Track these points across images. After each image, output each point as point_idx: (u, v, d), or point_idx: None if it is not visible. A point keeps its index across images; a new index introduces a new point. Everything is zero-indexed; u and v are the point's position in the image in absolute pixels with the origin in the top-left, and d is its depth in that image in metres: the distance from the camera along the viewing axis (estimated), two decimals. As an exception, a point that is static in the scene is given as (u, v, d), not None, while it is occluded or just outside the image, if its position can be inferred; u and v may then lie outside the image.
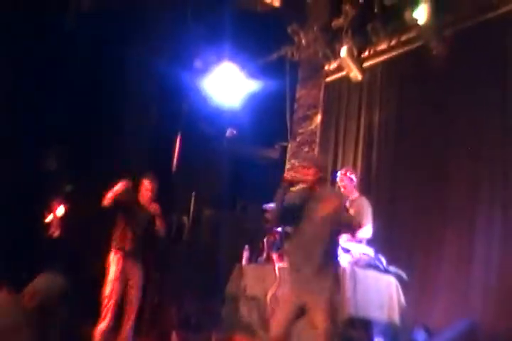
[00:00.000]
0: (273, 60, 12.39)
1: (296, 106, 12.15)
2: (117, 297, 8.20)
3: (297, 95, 12.20)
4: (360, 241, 7.90)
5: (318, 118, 11.65)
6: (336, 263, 6.23)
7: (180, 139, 11.01)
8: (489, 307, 7.90)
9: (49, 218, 10.24)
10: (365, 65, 10.59)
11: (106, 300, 8.15)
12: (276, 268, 7.96)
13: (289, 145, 12.06)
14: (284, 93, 11.97)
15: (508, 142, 8.25)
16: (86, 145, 11.46)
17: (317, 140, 11.53)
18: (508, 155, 8.23)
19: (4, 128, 10.41)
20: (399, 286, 7.77)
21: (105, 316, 8.11)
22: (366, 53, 10.63)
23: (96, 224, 9.64)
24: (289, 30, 11.40)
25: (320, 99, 11.75)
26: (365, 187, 9.47)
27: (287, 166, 11.86)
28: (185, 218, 10.70)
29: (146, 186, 8.61)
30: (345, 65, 10.48)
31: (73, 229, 10.43)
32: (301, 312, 5.88)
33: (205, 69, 11.71)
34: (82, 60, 11.26)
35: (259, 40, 11.71)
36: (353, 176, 8.44)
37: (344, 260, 7.39)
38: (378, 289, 7.61)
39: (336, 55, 10.87)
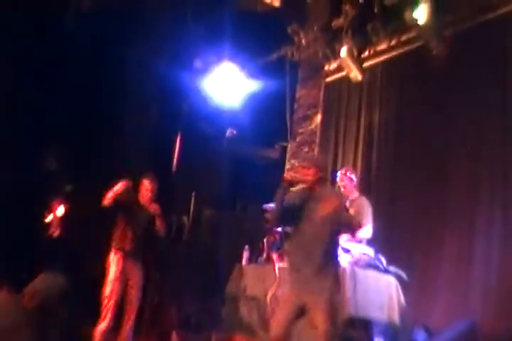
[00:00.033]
0: (273, 60, 12.40)
1: (296, 106, 12.15)
2: (117, 297, 8.20)
3: (297, 95, 12.20)
4: (360, 241, 7.90)
5: (318, 118, 11.65)
6: (336, 263, 6.23)
7: (180, 139, 11.00)
8: (489, 308, 7.90)
9: (49, 218, 10.25)
10: (365, 65, 10.59)
11: (106, 301, 8.15)
12: (276, 268, 7.96)
13: (289, 146, 12.06)
14: (284, 93, 11.97)
15: (508, 142, 8.25)
16: (86, 145, 11.47)
17: (317, 140, 11.53)
18: (508, 155, 8.24)
19: (4, 128, 10.41)
20: (399, 286, 7.77)
21: (105, 316, 8.11)
22: (366, 53, 10.63)
23: (96, 224, 9.64)
24: (289, 30, 11.41)
25: (320, 99, 11.75)
26: (365, 187, 9.47)
27: (287, 166, 11.86)
28: (185, 218, 10.69)
29: (146, 186, 8.61)
30: (345, 65, 10.48)
31: (73, 229, 10.43)
32: (301, 312, 5.89)
33: (205, 70, 11.71)
34: (82, 60, 11.26)
35: (259, 40, 11.71)
36: (353, 176, 8.44)
37: (344, 260, 7.39)
38: (378, 289, 7.61)
39: (336, 55, 10.87)
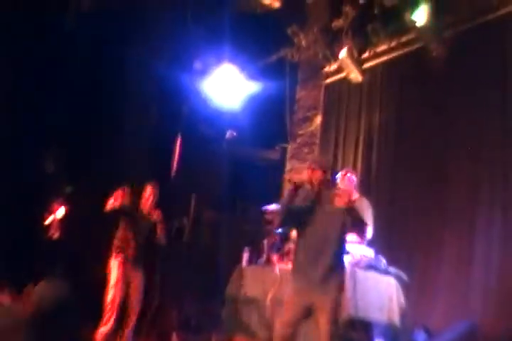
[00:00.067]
0: (273, 61, 12.40)
1: (296, 107, 12.16)
2: (119, 301, 8.21)
3: (297, 96, 12.21)
4: (360, 243, 7.90)
5: (318, 119, 11.66)
6: (343, 264, 6.24)
7: (180, 141, 10.98)
8: (489, 309, 7.89)
9: (49, 220, 10.24)
10: (365, 66, 10.59)
11: (109, 305, 8.16)
12: (277, 270, 7.96)
13: (289, 147, 12.06)
14: (283, 94, 11.98)
15: (508, 144, 8.25)
16: (86, 147, 11.46)
17: (317, 141, 11.54)
18: (508, 156, 8.23)
19: (4, 129, 10.40)
20: (399, 287, 7.77)
21: (108, 320, 8.12)
22: (366, 54, 10.63)
23: (96, 225, 9.63)
24: (289, 31, 11.40)
25: (320, 101, 11.76)
26: (365, 189, 9.46)
27: (287, 168, 11.86)
28: (185, 220, 10.67)
29: (149, 192, 8.63)
30: (345, 66, 10.48)
31: (73, 230, 10.42)
32: (308, 312, 5.90)
33: (204, 71, 11.70)
34: (81, 60, 11.25)
35: (259, 41, 11.71)
36: (353, 177, 8.43)
37: (345, 261, 7.39)
38: (378, 290, 7.61)
39: (335, 56, 10.85)
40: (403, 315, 7.68)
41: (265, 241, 9.00)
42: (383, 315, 7.50)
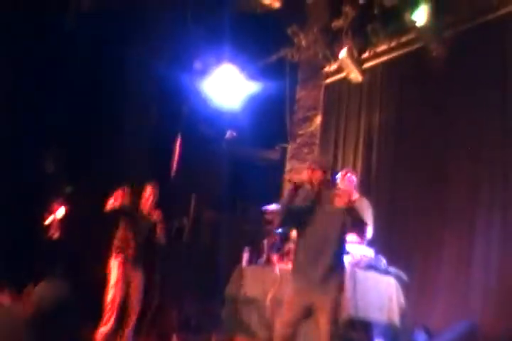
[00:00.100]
0: (273, 61, 12.40)
1: (296, 107, 12.16)
2: (119, 301, 8.21)
3: (297, 96, 12.21)
4: (360, 243, 7.90)
5: (318, 119, 11.66)
6: (343, 264, 6.24)
7: (180, 141, 10.98)
8: (489, 309, 7.90)
9: (49, 219, 10.24)
10: (365, 66, 10.59)
11: (109, 305, 8.16)
12: (277, 270, 7.96)
13: (289, 147, 12.06)
14: (283, 94, 11.98)
15: (508, 144, 8.25)
16: (85, 147, 11.46)
17: (317, 141, 11.54)
18: (508, 156, 8.23)
19: (4, 129, 10.40)
20: (399, 287, 7.77)
21: (108, 320, 8.12)
22: (366, 54, 10.63)
23: (96, 225, 9.64)
24: (289, 31, 11.40)
25: (320, 101, 11.76)
26: (365, 189, 9.46)
27: (287, 168, 11.86)
28: (185, 220, 10.67)
29: (149, 192, 8.63)
30: (345, 66, 10.48)
31: (73, 230, 10.42)
32: (308, 312, 5.90)
33: (204, 71, 11.70)
34: (81, 60, 11.25)
35: (259, 41, 11.71)
36: (353, 177, 8.43)
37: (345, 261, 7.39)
38: (378, 290, 7.61)
39: (335, 56, 10.84)
40: (403, 315, 7.68)
41: (265, 241, 9.00)
42: (383, 315, 7.51)
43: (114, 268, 8.30)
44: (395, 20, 9.87)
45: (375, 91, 10.56)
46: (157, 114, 12.63)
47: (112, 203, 8.17)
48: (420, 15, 9.11)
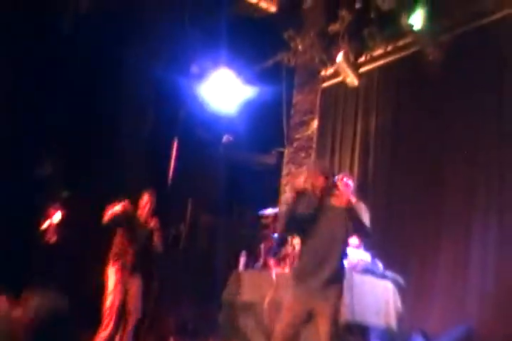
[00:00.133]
0: (269, 65, 12.40)
1: (292, 111, 12.15)
2: (118, 307, 8.19)
3: (294, 101, 12.20)
4: (358, 247, 7.90)
5: (315, 123, 11.64)
6: (344, 270, 6.24)
7: (176, 145, 10.98)
8: (486, 313, 7.89)
9: (45, 224, 10.22)
10: (362, 70, 10.59)
11: (107, 310, 8.15)
12: (274, 274, 7.96)
13: (286, 151, 12.05)
14: (280, 99, 11.98)
15: (504, 147, 8.26)
16: (82, 151, 11.44)
17: (314, 145, 11.52)
18: (504, 160, 8.24)
19: (2, 132, 10.39)
20: (396, 291, 7.77)
21: (107, 325, 8.11)
22: (362, 58, 10.63)
23: (93, 230, 9.61)
24: (286, 35, 11.40)
25: (316, 105, 11.74)
26: (362, 193, 9.45)
27: (284, 172, 11.86)
28: (182, 226, 10.67)
29: (145, 200, 8.61)
30: (342, 70, 10.48)
31: (70, 235, 10.40)
32: (308, 317, 5.90)
33: (201, 75, 11.70)
34: (78, 62, 11.23)
35: (256, 45, 11.72)
36: (349, 182, 8.41)
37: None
38: (375, 294, 7.61)
39: (332, 60, 10.84)
40: (400, 319, 7.69)
41: (262, 246, 9.00)
42: (380, 319, 7.51)
43: (112, 275, 8.28)
44: (391, 24, 9.88)
45: (371, 95, 10.56)
46: (154, 118, 12.62)
47: (109, 214, 8.18)
48: (416, 20, 9.12)
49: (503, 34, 8.60)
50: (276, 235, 9.21)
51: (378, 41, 10.30)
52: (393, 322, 7.57)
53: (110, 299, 8.18)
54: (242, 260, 9.04)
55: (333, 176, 6.51)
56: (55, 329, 4.99)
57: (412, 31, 9.38)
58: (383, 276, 7.83)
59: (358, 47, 10.53)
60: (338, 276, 6.00)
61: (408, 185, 9.48)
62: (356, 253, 7.80)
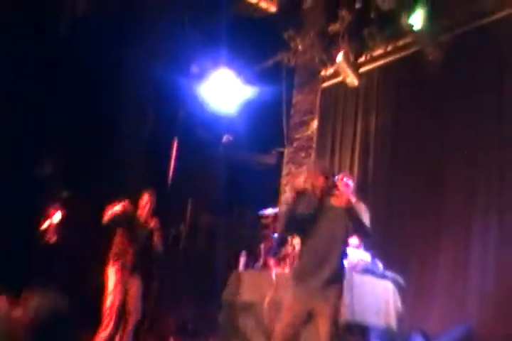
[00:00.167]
0: (269, 65, 12.40)
1: (292, 111, 12.14)
2: (118, 307, 8.19)
3: (294, 101, 12.19)
4: (358, 246, 7.90)
5: (315, 123, 11.64)
6: (344, 270, 6.24)
7: (176, 145, 10.97)
8: (486, 313, 7.89)
9: (45, 224, 10.22)
10: (362, 70, 10.58)
11: (107, 311, 8.14)
12: (274, 274, 7.96)
13: (286, 151, 12.05)
14: (280, 99, 11.97)
15: (504, 148, 8.26)
16: (82, 151, 11.43)
17: (314, 145, 11.51)
18: (504, 160, 8.24)
19: (1, 132, 10.38)
20: (396, 291, 7.77)
21: (107, 326, 8.10)
22: (362, 58, 10.63)
23: (93, 230, 9.61)
24: (286, 35, 11.40)
25: (316, 105, 11.74)
26: (362, 193, 9.45)
27: (284, 172, 11.85)
28: (182, 226, 10.67)
29: (146, 200, 8.60)
30: (342, 70, 10.47)
31: (70, 235, 10.40)
32: (308, 317, 5.90)
33: (201, 75, 11.70)
34: (78, 63, 11.22)
35: (256, 45, 11.71)
36: (349, 181, 8.41)
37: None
38: (375, 294, 7.61)
39: (332, 60, 10.83)
40: (400, 319, 7.69)
41: (262, 246, 8.99)
42: (380, 319, 7.51)
43: (112, 275, 8.28)
44: (391, 24, 9.88)
45: (371, 95, 10.56)
46: (154, 118, 12.62)
47: (109, 214, 8.18)
48: (416, 20, 9.12)
49: (503, 34, 8.60)
50: (276, 235, 9.21)
51: (378, 41, 10.30)
52: (393, 322, 7.57)
53: (110, 299, 8.17)
54: (242, 260, 9.04)
55: (333, 176, 6.50)
56: (55, 329, 4.98)
57: (412, 31, 9.38)
58: (383, 276, 7.83)
59: (358, 47, 10.52)
60: (338, 276, 6.00)
61: (408, 185, 9.48)
62: (356, 253, 7.80)
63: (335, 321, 5.84)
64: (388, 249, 9.01)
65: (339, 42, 10.47)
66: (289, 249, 8.25)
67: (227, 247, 11.09)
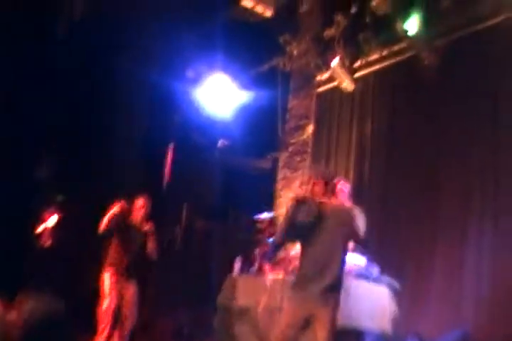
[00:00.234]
0: (265, 70, 12.39)
1: (288, 116, 12.14)
2: (113, 312, 8.16)
3: (289, 105, 12.19)
4: (352, 251, 7.89)
5: (310, 128, 11.64)
6: (343, 276, 6.23)
7: (172, 149, 10.97)
8: (481, 317, 7.89)
9: (41, 228, 10.21)
10: (357, 75, 10.59)
11: (103, 316, 8.12)
12: (268, 279, 7.95)
13: (281, 156, 12.04)
14: (275, 103, 11.97)
15: (498, 152, 8.27)
16: (78, 155, 11.43)
17: (309, 150, 11.52)
18: (499, 165, 8.25)
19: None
20: (391, 296, 7.76)
21: (103, 331, 8.08)
22: (358, 63, 10.63)
23: (88, 234, 9.60)
24: (281, 40, 11.42)
25: (312, 110, 11.74)
26: (357, 197, 9.44)
27: (279, 176, 11.85)
28: (177, 230, 10.67)
29: (140, 205, 8.58)
30: (337, 75, 10.48)
31: (65, 239, 10.39)
32: (306, 323, 5.89)
33: (197, 80, 11.70)
34: (73, 67, 11.22)
35: (251, 50, 11.72)
36: (345, 186, 8.41)
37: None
38: (370, 299, 7.61)
39: (327, 65, 10.83)
40: (395, 324, 7.68)
41: (257, 250, 8.99)
42: (375, 324, 7.50)
43: (107, 279, 8.26)
44: (386, 29, 9.89)
45: (367, 100, 10.57)
46: (149, 122, 12.62)
47: (106, 223, 8.16)
48: (412, 24, 9.14)
49: (499, 39, 8.61)
50: (271, 240, 9.20)
51: (374, 46, 10.32)
52: (388, 327, 7.57)
53: (106, 304, 8.16)
54: (237, 265, 9.03)
55: (333, 180, 6.50)
56: (49, 332, 4.96)
57: (408, 36, 9.39)
58: (378, 281, 7.83)
59: (354, 52, 10.54)
60: (338, 283, 6.00)
61: (404, 189, 9.48)
62: (351, 258, 7.79)
63: (332, 327, 5.84)
64: (384, 253, 9.00)
65: (335, 47, 10.48)
66: (284, 253, 8.24)
67: (222, 252, 11.07)
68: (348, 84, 10.50)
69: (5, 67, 10.37)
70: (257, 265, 8.84)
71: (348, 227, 6.02)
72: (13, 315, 5.08)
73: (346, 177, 10.05)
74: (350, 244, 7.47)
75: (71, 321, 5.33)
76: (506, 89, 8.45)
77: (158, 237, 8.61)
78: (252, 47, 11.62)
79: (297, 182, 10.94)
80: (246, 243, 10.48)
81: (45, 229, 10.11)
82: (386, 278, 7.86)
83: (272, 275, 8.06)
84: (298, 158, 11.67)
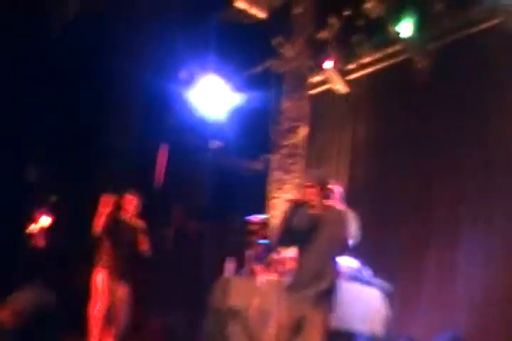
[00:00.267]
0: (258, 72, 12.38)
1: (281, 118, 12.13)
2: (104, 313, 8.15)
3: (282, 107, 12.18)
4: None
5: (303, 130, 11.63)
6: (337, 281, 6.24)
7: (165, 151, 10.97)
8: (472, 320, 7.92)
9: (32, 228, 10.20)
10: (350, 77, 10.61)
11: (93, 317, 8.11)
12: (261, 281, 7.95)
13: (274, 158, 12.04)
14: (269, 105, 11.96)
15: (492, 156, 8.29)
16: (71, 156, 11.41)
17: (302, 152, 11.51)
18: (492, 168, 8.27)
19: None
20: (383, 299, 7.77)
21: (94, 331, 8.07)
22: (351, 66, 10.64)
23: (80, 235, 9.60)
24: (274, 42, 11.40)
25: (305, 112, 11.73)
26: (350, 200, 9.45)
27: (271, 178, 11.84)
28: (169, 230, 10.66)
29: (129, 201, 8.56)
30: (330, 77, 10.50)
31: (57, 240, 10.38)
32: (298, 326, 5.89)
33: (190, 81, 11.69)
34: (66, 68, 11.21)
35: (244, 52, 11.70)
36: (338, 189, 8.41)
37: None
38: (362, 301, 7.61)
39: (320, 67, 10.85)
40: (387, 326, 7.68)
41: (249, 252, 8.99)
42: (367, 326, 7.50)
43: (99, 279, 8.25)
44: (380, 31, 9.90)
45: (360, 103, 10.59)
46: (142, 124, 12.60)
47: (99, 224, 8.15)
48: (405, 27, 9.16)
49: (492, 43, 8.63)
50: (263, 241, 9.20)
51: (367, 49, 10.33)
52: (380, 329, 7.57)
53: (97, 305, 8.15)
54: (229, 266, 9.03)
55: (328, 183, 6.50)
56: (41, 332, 4.95)
57: (401, 39, 9.41)
58: (370, 283, 7.83)
59: (347, 55, 10.56)
60: (332, 288, 6.01)
61: (396, 192, 9.49)
62: (343, 260, 7.79)
63: (324, 330, 5.85)
64: (376, 257, 9.00)
65: (328, 50, 10.49)
66: (276, 255, 8.25)
67: (215, 253, 11.07)
68: (341, 87, 10.51)
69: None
70: (248, 266, 8.84)
71: (342, 230, 6.02)
72: (3, 315, 5.07)
73: (339, 179, 10.06)
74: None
75: (62, 322, 5.33)
76: (499, 91, 8.48)
77: (150, 237, 8.59)
78: (245, 48, 11.61)
79: (289, 185, 10.94)
80: (238, 244, 10.48)
81: (38, 229, 10.10)
82: (378, 281, 7.87)
83: (266, 277, 8.06)
84: (290, 160, 11.66)
